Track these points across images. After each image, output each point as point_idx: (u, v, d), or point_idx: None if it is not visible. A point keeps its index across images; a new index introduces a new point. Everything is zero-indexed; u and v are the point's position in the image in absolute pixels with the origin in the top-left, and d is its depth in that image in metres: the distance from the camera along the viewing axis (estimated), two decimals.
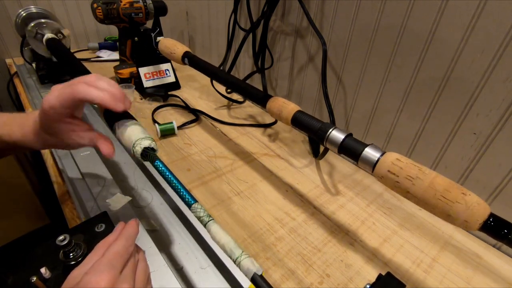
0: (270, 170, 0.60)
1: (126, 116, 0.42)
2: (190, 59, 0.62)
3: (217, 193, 0.53)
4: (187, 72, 1.05)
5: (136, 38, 0.83)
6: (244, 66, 0.91)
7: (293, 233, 0.47)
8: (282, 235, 0.46)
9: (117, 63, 0.92)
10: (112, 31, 1.25)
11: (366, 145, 0.36)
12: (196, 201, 0.32)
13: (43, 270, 0.31)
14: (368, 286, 0.29)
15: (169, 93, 0.86)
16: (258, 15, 0.72)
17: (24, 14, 0.80)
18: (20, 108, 1.09)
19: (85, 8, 1.14)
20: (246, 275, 0.27)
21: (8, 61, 1.06)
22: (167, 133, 0.68)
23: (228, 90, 0.86)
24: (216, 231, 0.30)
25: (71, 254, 0.32)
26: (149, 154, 0.36)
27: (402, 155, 0.34)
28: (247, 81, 0.80)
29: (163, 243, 0.42)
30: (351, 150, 0.37)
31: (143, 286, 0.30)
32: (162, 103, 0.82)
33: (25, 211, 0.87)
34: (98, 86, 0.35)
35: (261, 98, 0.49)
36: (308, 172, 0.60)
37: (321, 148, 0.64)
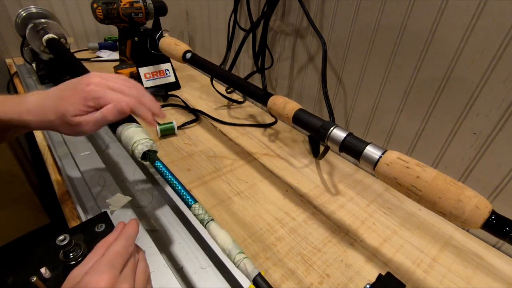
0: (270, 170, 0.60)
1: (126, 116, 0.42)
2: (191, 57, 0.62)
3: (217, 193, 0.53)
4: (187, 72, 1.05)
5: (136, 38, 0.83)
6: (244, 66, 0.91)
7: (293, 233, 0.47)
8: (282, 235, 0.46)
9: (117, 63, 0.92)
10: (112, 31, 1.25)
11: (368, 143, 0.36)
12: (196, 201, 0.32)
13: (43, 270, 0.31)
14: (368, 286, 0.29)
15: (169, 93, 0.86)
16: (258, 15, 0.72)
17: (24, 14, 0.80)
18: None
19: (85, 8, 1.14)
20: (245, 275, 0.27)
21: (8, 61, 1.06)
22: (167, 133, 0.68)
23: (228, 90, 0.86)
24: (216, 231, 0.30)
25: (71, 254, 0.32)
26: (149, 154, 0.36)
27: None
28: (246, 81, 0.80)
29: (163, 243, 0.42)
30: (352, 148, 0.37)
31: (143, 286, 0.30)
32: (162, 103, 0.82)
33: (25, 211, 0.87)
34: (145, 102, 0.39)
35: (262, 96, 0.49)
36: (308, 172, 0.60)
37: (321, 148, 0.64)
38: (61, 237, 0.31)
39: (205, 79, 1.01)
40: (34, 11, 0.81)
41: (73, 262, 0.32)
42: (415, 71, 0.50)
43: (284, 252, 0.44)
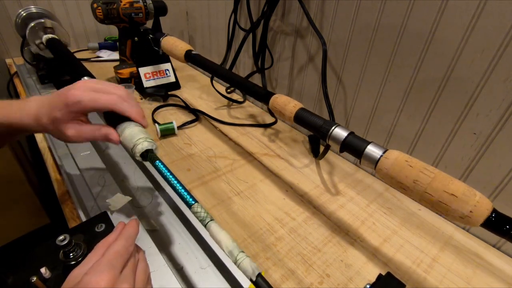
0: (270, 170, 0.60)
1: (126, 117, 0.42)
2: (194, 57, 0.62)
3: (217, 193, 0.53)
4: (187, 72, 1.05)
5: (136, 38, 0.83)
6: (244, 66, 0.91)
7: (293, 233, 0.47)
8: (282, 235, 0.46)
9: (117, 63, 0.92)
10: (112, 31, 1.25)
11: (369, 143, 0.36)
12: (196, 201, 0.32)
13: (43, 270, 0.31)
14: (368, 286, 0.29)
15: (169, 93, 0.86)
16: (258, 15, 0.72)
17: (24, 14, 0.80)
18: None
19: (85, 8, 1.14)
20: (245, 275, 0.27)
21: (8, 61, 1.06)
22: (167, 133, 0.68)
23: (228, 90, 0.86)
24: (216, 231, 0.30)
25: (71, 254, 0.32)
26: (149, 154, 0.36)
27: None
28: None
29: (163, 243, 0.42)
30: (354, 147, 0.37)
31: (143, 286, 0.30)
32: (162, 103, 0.82)
33: (25, 211, 0.87)
34: (129, 101, 0.39)
35: (264, 96, 0.49)
36: (308, 172, 0.60)
37: (321, 148, 0.64)
38: (61, 237, 0.31)
39: (205, 79, 1.01)
40: (34, 11, 0.81)
41: (73, 262, 0.32)
42: (415, 71, 0.50)
43: (284, 252, 0.44)
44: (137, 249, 0.33)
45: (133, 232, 0.32)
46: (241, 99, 0.86)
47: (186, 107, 0.80)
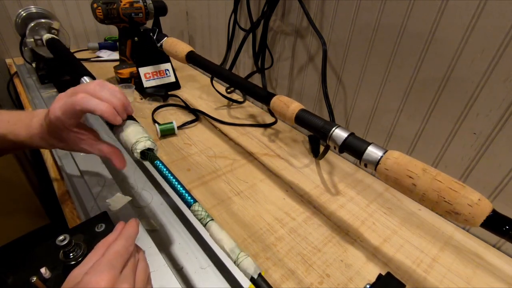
0: (270, 170, 0.60)
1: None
2: (194, 58, 0.62)
3: (217, 193, 0.53)
4: (187, 72, 1.05)
5: (136, 38, 0.83)
6: (244, 66, 0.91)
7: (293, 233, 0.47)
8: (282, 235, 0.46)
9: (117, 63, 0.92)
10: (112, 31, 1.25)
11: (369, 143, 0.36)
12: (196, 201, 0.32)
13: (43, 270, 0.31)
14: (368, 286, 0.29)
15: (169, 93, 0.86)
16: (258, 15, 0.72)
17: (24, 14, 0.80)
18: (20, 108, 1.09)
19: (85, 8, 1.14)
20: (245, 275, 0.27)
21: (8, 61, 1.06)
22: (167, 133, 0.68)
23: (228, 90, 0.86)
24: (216, 231, 0.30)
25: (71, 254, 0.32)
26: (148, 154, 0.36)
27: None
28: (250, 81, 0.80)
29: (163, 243, 0.42)
30: (354, 148, 0.37)
31: (143, 286, 0.30)
32: (162, 103, 0.82)
33: (25, 211, 0.87)
34: (101, 96, 0.35)
35: (264, 97, 0.49)
36: (308, 172, 0.60)
37: (321, 148, 0.64)
38: (61, 237, 0.31)
39: (205, 79, 1.01)
40: (34, 11, 0.81)
41: (73, 262, 0.32)
42: (415, 71, 0.50)
43: (284, 252, 0.44)
44: (137, 249, 0.33)
45: (133, 232, 0.32)
46: (241, 99, 0.86)
47: (186, 107, 0.80)
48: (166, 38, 0.71)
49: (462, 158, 0.48)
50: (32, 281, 0.29)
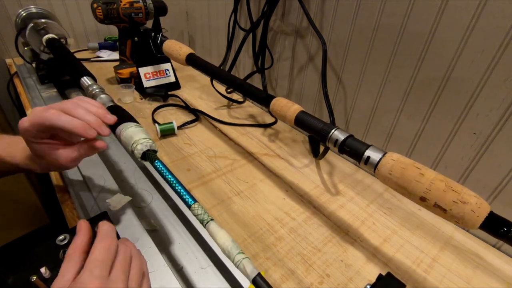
0: (270, 170, 0.60)
1: (126, 116, 0.42)
2: (194, 61, 0.62)
3: (217, 193, 0.53)
4: (187, 72, 1.05)
5: (136, 38, 0.83)
6: (244, 66, 0.91)
7: (293, 233, 0.47)
8: (282, 235, 0.46)
9: (117, 63, 0.92)
10: (112, 31, 1.25)
11: (368, 146, 0.36)
12: (195, 201, 0.32)
13: (43, 269, 0.31)
14: (368, 286, 0.29)
15: (169, 93, 0.86)
16: (258, 15, 0.72)
17: (24, 14, 0.80)
18: (20, 108, 1.09)
19: (85, 8, 1.14)
20: (245, 276, 0.27)
21: (8, 61, 1.06)
22: (167, 133, 0.68)
23: (228, 90, 0.86)
24: (215, 231, 0.30)
25: None
26: (148, 154, 0.36)
27: (402, 155, 0.34)
28: (247, 81, 0.80)
29: (163, 243, 0.42)
30: (353, 150, 0.37)
31: (138, 283, 0.29)
32: (162, 103, 0.82)
33: (25, 211, 0.87)
34: (74, 113, 0.36)
35: (264, 99, 0.50)
36: (308, 172, 0.60)
37: (321, 148, 0.64)
38: (61, 237, 0.31)
39: (205, 79, 1.01)
40: (34, 11, 0.81)
41: None
42: (415, 71, 0.50)
43: (284, 252, 0.44)
44: (128, 244, 0.32)
45: (108, 227, 0.30)
46: (241, 99, 0.86)
47: (186, 107, 0.80)
48: (165, 40, 0.71)
49: (462, 158, 0.48)
50: (32, 280, 0.29)
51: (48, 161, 0.38)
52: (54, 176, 0.54)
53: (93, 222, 0.38)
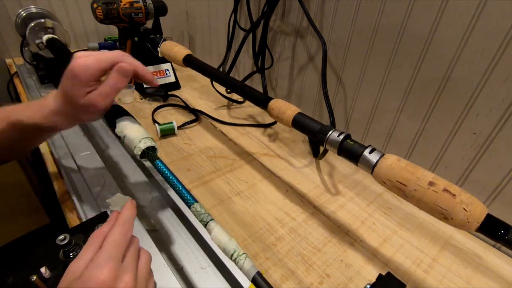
0: (270, 170, 0.60)
1: (126, 115, 0.42)
2: (191, 62, 0.62)
3: (217, 193, 0.53)
4: (187, 72, 1.05)
5: (136, 38, 0.83)
6: (244, 66, 0.91)
7: (293, 233, 0.47)
8: (282, 235, 0.46)
9: None
10: (112, 31, 1.25)
11: (365, 147, 0.36)
12: (196, 201, 0.32)
13: (43, 269, 0.31)
14: (368, 286, 0.29)
15: (169, 93, 0.86)
16: (258, 15, 0.72)
17: (24, 14, 0.80)
18: None
19: (85, 8, 1.14)
20: (245, 275, 0.27)
21: (8, 61, 1.06)
22: (167, 133, 0.68)
23: (228, 90, 0.86)
24: (216, 231, 0.30)
25: (71, 254, 0.32)
26: (149, 154, 0.36)
27: (402, 155, 0.34)
28: (247, 82, 0.80)
29: (163, 243, 0.42)
30: (350, 152, 0.37)
31: (146, 275, 0.29)
32: (162, 103, 0.82)
33: (25, 211, 0.87)
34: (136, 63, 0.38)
35: (261, 100, 0.49)
36: (308, 172, 0.60)
37: (321, 148, 0.64)
38: (61, 237, 0.31)
39: (205, 79, 1.00)
40: (34, 11, 0.81)
41: None
42: (415, 71, 0.50)
43: (284, 252, 0.44)
44: (135, 238, 0.32)
45: (130, 215, 0.31)
46: (241, 99, 0.86)
47: (186, 107, 0.80)
48: (163, 41, 0.70)
49: (462, 158, 0.48)
50: (32, 280, 0.29)
51: (84, 106, 0.36)
52: (54, 176, 0.54)
53: (93, 222, 0.39)
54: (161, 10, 0.84)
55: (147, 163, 0.39)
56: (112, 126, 0.42)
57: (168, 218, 0.46)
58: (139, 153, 0.36)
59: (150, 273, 0.31)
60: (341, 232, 0.48)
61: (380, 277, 0.30)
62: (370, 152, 0.35)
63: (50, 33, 0.76)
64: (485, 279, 0.42)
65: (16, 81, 0.94)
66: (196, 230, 0.43)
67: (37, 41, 0.77)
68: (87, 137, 0.61)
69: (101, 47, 1.16)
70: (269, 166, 0.61)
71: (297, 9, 0.65)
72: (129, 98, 0.81)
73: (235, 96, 0.87)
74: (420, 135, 0.53)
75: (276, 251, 0.44)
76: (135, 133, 0.38)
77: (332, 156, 0.66)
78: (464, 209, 0.28)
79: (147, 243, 0.40)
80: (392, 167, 0.33)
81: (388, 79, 0.54)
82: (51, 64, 0.83)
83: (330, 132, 0.39)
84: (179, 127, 0.70)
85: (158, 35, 0.75)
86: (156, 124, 0.67)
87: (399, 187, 0.32)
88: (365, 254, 0.44)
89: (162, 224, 0.45)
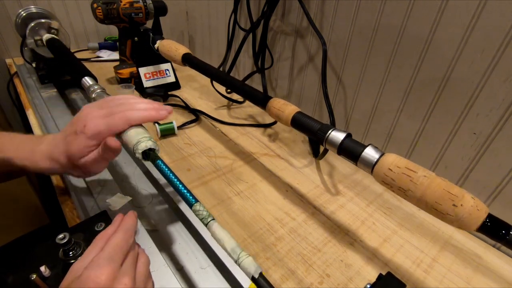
0: (270, 170, 0.60)
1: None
2: (190, 61, 0.62)
3: (217, 193, 0.53)
4: (187, 72, 1.05)
5: (136, 38, 0.83)
6: (244, 66, 0.91)
7: (293, 233, 0.47)
8: (282, 235, 0.46)
9: (117, 63, 0.92)
10: (112, 31, 1.25)
11: (365, 146, 0.36)
12: (197, 200, 0.32)
13: (42, 268, 0.31)
14: (368, 286, 0.29)
15: (169, 93, 0.86)
16: (258, 15, 0.72)
17: (24, 14, 0.80)
18: (20, 108, 1.09)
19: (85, 8, 1.14)
20: (247, 275, 0.27)
21: (8, 61, 1.06)
22: (167, 133, 0.68)
23: (228, 90, 0.86)
24: (217, 231, 0.30)
25: (70, 253, 0.32)
26: (150, 154, 0.36)
27: (402, 155, 0.34)
28: (247, 81, 0.80)
29: (163, 243, 0.42)
30: (350, 151, 0.37)
31: (144, 279, 0.30)
32: (162, 103, 0.82)
33: (25, 211, 0.87)
34: (140, 108, 0.38)
35: (261, 100, 0.49)
36: (308, 172, 0.60)
37: (321, 148, 0.64)
38: (61, 236, 0.31)
39: (205, 79, 1.00)
40: (34, 11, 0.81)
41: (72, 261, 0.32)
42: (415, 71, 0.50)
43: (284, 252, 0.44)
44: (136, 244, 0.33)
45: (132, 224, 0.32)
46: (241, 99, 0.86)
47: (186, 107, 0.80)
48: (160, 40, 0.70)
49: (462, 158, 0.48)
50: (32, 279, 0.29)
51: (78, 166, 0.37)
52: (54, 176, 0.54)
53: (93, 221, 0.39)
54: (161, 10, 0.85)
55: (147, 163, 0.39)
56: None
57: (168, 218, 0.46)
58: (140, 155, 0.36)
59: (148, 276, 0.31)
60: (341, 232, 0.48)
61: (380, 277, 0.30)
62: (370, 151, 0.35)
63: (52, 33, 0.76)
64: (485, 279, 0.42)
65: (16, 81, 0.94)
66: (196, 230, 0.43)
67: (36, 37, 0.77)
68: None
69: (101, 47, 1.17)
70: (269, 166, 0.61)
71: (297, 9, 0.65)
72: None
73: (235, 96, 0.87)
74: (420, 135, 0.53)
75: (276, 251, 0.44)
76: (136, 133, 0.38)
77: (332, 156, 0.66)
78: (464, 208, 0.28)
79: (147, 243, 0.40)
80: (392, 166, 0.33)
81: (388, 79, 0.54)
82: (51, 64, 0.83)
83: (330, 131, 0.39)
84: (179, 127, 0.70)
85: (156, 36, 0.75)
86: (156, 124, 0.67)
87: (399, 185, 0.32)
88: (365, 254, 0.44)
89: (162, 224, 0.45)
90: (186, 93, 0.89)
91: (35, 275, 0.29)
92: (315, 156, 0.65)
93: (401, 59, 0.51)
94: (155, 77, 0.87)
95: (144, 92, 0.84)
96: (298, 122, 0.43)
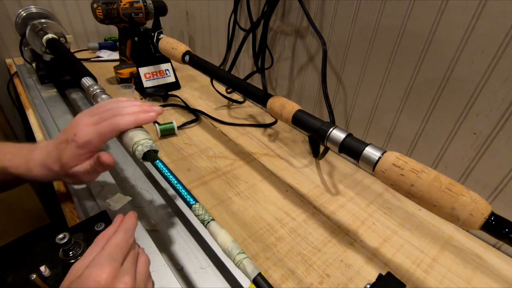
0: (270, 170, 0.60)
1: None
2: (190, 58, 0.62)
3: (217, 193, 0.53)
4: (187, 72, 1.05)
5: (136, 38, 0.83)
6: (244, 66, 0.91)
7: (293, 233, 0.47)
8: (282, 235, 0.46)
9: (117, 63, 0.92)
10: (112, 31, 1.25)
11: (367, 144, 0.36)
12: (197, 201, 0.32)
13: (42, 268, 0.31)
14: (368, 286, 0.29)
15: (169, 93, 0.86)
16: (258, 15, 0.72)
17: (24, 14, 0.80)
18: (20, 108, 1.09)
19: (85, 8, 1.14)
20: (246, 276, 0.27)
21: (8, 61, 1.06)
22: (167, 133, 0.68)
23: (228, 90, 0.86)
24: (216, 231, 0.30)
25: (70, 253, 0.32)
26: (149, 155, 0.36)
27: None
28: (247, 81, 0.80)
29: (163, 243, 0.42)
30: (352, 149, 0.37)
31: (145, 278, 0.30)
32: (162, 103, 0.82)
33: (25, 211, 0.87)
34: (128, 111, 0.38)
35: (261, 97, 0.49)
36: (308, 172, 0.60)
37: (321, 148, 0.64)
38: (60, 236, 0.31)
39: (205, 79, 1.01)
40: (34, 11, 0.81)
41: (72, 261, 0.32)
42: (415, 71, 0.50)
43: (284, 252, 0.44)
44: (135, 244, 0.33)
45: (132, 224, 0.32)
46: (241, 99, 0.86)
47: (186, 107, 0.80)
48: (161, 39, 0.70)
49: (462, 158, 0.48)
50: (32, 278, 0.29)
51: (70, 174, 0.38)
52: None
53: (93, 221, 0.39)
54: (161, 10, 0.85)
55: (147, 163, 0.39)
56: None
57: (168, 218, 0.46)
58: (140, 156, 0.36)
59: (148, 275, 0.32)
60: (341, 232, 0.48)
61: (380, 277, 0.30)
62: (372, 149, 0.35)
63: (50, 33, 0.76)
64: (485, 279, 0.42)
65: (16, 81, 0.94)
66: (196, 230, 0.43)
67: (43, 49, 0.77)
68: None
69: (101, 47, 1.17)
70: (269, 166, 0.61)
71: (297, 9, 0.65)
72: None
73: (235, 96, 0.87)
74: (420, 135, 0.53)
75: (276, 251, 0.44)
76: (135, 134, 0.38)
77: (332, 156, 0.66)
78: (467, 207, 0.28)
79: (147, 243, 0.40)
80: (394, 164, 0.33)
81: (388, 79, 0.54)
82: (51, 64, 0.83)
83: (331, 129, 0.39)
84: (179, 127, 0.70)
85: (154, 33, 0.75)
86: (156, 124, 0.67)
87: (400, 184, 0.32)
88: (365, 254, 0.44)
89: (162, 224, 0.45)
90: (186, 93, 0.89)
91: (35, 275, 0.29)
92: (315, 156, 0.65)
93: (401, 59, 0.51)
94: (155, 77, 0.87)
95: (144, 92, 0.84)
96: (299, 120, 0.43)
